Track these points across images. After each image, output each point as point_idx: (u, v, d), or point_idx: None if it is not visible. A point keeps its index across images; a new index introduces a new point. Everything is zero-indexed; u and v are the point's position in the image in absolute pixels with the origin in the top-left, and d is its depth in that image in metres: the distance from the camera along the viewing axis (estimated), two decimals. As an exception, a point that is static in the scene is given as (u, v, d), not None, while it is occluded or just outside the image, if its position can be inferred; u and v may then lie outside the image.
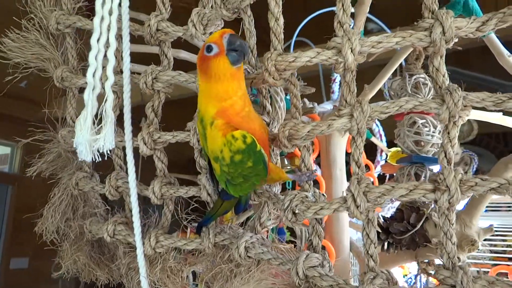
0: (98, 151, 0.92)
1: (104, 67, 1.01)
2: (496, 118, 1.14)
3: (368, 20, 1.79)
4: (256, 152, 0.81)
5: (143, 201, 1.13)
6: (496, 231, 1.98)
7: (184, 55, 1.31)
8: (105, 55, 1.02)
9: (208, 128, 0.84)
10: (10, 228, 5.00)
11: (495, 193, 0.70)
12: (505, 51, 1.01)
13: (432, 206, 1.00)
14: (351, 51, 0.78)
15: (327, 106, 1.67)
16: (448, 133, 0.76)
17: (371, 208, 0.77)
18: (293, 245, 1.34)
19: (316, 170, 1.74)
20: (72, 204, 1.28)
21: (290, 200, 0.83)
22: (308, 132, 0.81)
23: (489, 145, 4.31)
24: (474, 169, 1.70)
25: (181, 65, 1.18)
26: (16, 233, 4.89)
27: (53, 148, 1.30)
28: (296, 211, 0.82)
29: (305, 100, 1.53)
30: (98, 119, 0.95)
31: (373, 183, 1.74)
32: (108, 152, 0.93)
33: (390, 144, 1.58)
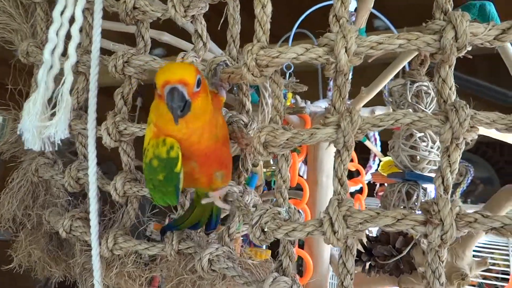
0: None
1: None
2: (498, 134, 1.04)
3: (375, 17, 1.67)
4: (173, 172, 0.72)
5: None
6: (483, 247, 1.89)
7: (167, 38, 1.19)
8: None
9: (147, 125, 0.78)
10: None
11: (497, 234, 0.59)
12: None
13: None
14: (345, 51, 0.66)
15: (321, 105, 1.56)
16: (449, 156, 0.65)
17: (351, 235, 0.67)
18: (267, 258, 1.24)
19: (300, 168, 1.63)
20: (32, 191, 1.17)
21: (259, 215, 0.72)
22: (287, 140, 0.70)
23: (486, 154, 4.22)
24: (469, 181, 1.60)
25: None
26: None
27: (16, 128, 1.19)
28: (266, 229, 0.72)
29: (297, 97, 1.41)
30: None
31: (362, 189, 1.67)
32: (59, 141, 0.81)
33: (385, 145, 1.46)
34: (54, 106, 0.91)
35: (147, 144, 0.76)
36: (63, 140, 0.99)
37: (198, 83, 0.70)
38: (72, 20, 0.87)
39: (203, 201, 0.85)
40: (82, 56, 0.98)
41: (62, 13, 0.84)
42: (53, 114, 0.91)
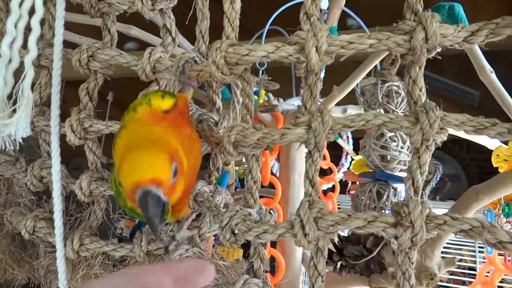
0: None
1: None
2: (467, 135, 1.05)
3: (349, 15, 1.67)
4: (123, 205, 0.69)
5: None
6: (451, 243, 1.93)
7: (136, 32, 1.15)
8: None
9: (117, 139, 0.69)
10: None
11: (466, 236, 0.60)
12: (488, 66, 0.91)
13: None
14: (316, 50, 0.65)
15: (294, 102, 1.55)
16: (419, 157, 0.65)
17: (322, 238, 0.66)
18: (239, 257, 1.22)
19: (273, 166, 1.63)
20: (-8, 190, 1.11)
21: (230, 217, 0.71)
22: (257, 140, 0.69)
23: (452, 151, 4.32)
24: (438, 178, 1.63)
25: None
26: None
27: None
28: (236, 231, 0.70)
29: (270, 95, 1.40)
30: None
31: (334, 187, 1.67)
32: (21, 139, 0.77)
33: (358, 143, 1.46)
34: (15, 103, 0.87)
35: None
36: (34, 137, 0.95)
37: (175, 172, 0.58)
38: (32, 12, 0.83)
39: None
40: (45, 49, 0.93)
41: (20, 4, 0.79)
42: (14, 111, 0.86)
